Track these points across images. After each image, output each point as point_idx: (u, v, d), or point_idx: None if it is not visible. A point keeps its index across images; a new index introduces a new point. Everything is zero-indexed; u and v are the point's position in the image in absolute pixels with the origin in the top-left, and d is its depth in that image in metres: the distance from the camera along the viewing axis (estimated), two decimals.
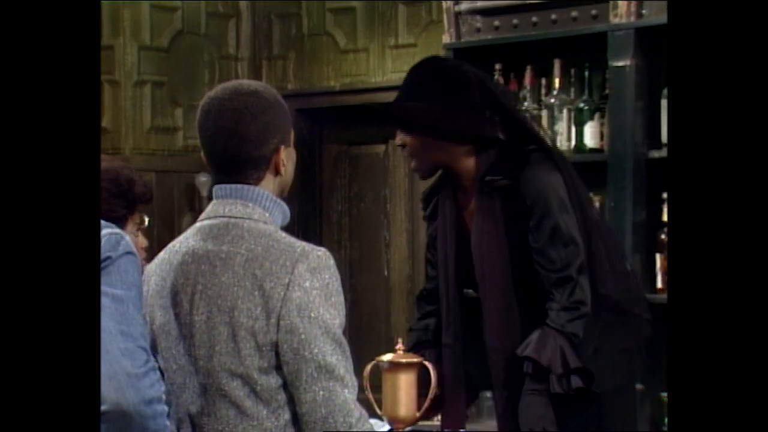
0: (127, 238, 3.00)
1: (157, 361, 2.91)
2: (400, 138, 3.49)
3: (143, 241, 3.39)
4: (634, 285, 3.58)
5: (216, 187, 2.74)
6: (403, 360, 3.47)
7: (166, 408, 2.78)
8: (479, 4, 4.85)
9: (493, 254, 3.43)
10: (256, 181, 2.70)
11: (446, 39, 4.91)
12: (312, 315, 2.57)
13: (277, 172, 2.71)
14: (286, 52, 6.42)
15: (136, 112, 6.09)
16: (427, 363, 3.48)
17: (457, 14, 4.89)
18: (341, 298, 2.64)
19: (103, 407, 2.68)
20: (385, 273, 6.10)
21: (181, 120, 6.25)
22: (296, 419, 2.62)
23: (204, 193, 6.20)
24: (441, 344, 3.59)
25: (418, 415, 3.48)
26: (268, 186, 2.71)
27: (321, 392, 2.57)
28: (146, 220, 3.46)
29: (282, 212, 2.73)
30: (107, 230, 2.85)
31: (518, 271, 3.42)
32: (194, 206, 6.25)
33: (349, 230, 6.26)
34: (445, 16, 4.95)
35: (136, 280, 2.88)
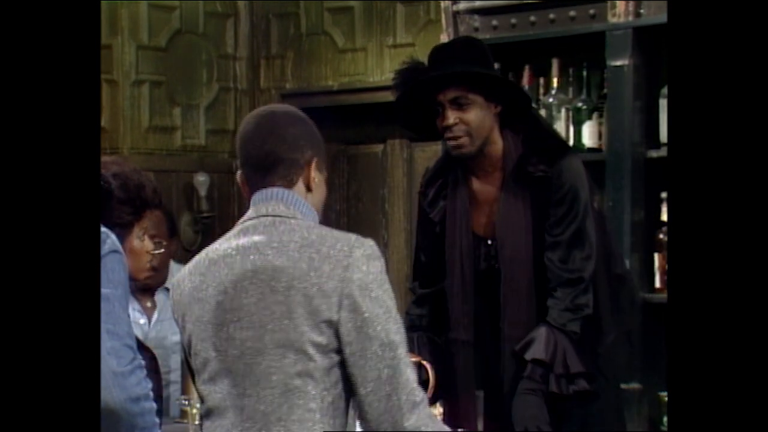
0: (113, 236, 2.99)
1: (142, 359, 2.91)
2: (455, 116, 3.47)
3: (149, 245, 3.38)
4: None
5: (255, 195, 2.80)
6: None
7: (154, 405, 2.78)
8: (477, 3, 4.85)
9: (520, 234, 3.45)
10: (289, 184, 2.79)
11: (444, 38, 4.89)
12: (373, 295, 2.64)
13: (308, 188, 2.82)
14: (284, 51, 6.41)
15: (134, 111, 6.08)
16: (425, 363, 3.48)
17: (456, 14, 4.89)
18: (391, 288, 2.71)
19: None
20: None
21: (179, 119, 6.25)
22: (339, 401, 2.66)
23: (202, 192, 6.19)
24: (434, 334, 3.59)
25: None
26: (302, 197, 2.82)
27: (386, 370, 2.60)
28: (154, 250, 3.45)
29: (315, 222, 2.84)
30: None
31: (539, 256, 3.43)
32: (192, 206, 6.25)
33: (348, 230, 6.22)
34: (443, 16, 4.95)
35: (123, 279, 2.88)
